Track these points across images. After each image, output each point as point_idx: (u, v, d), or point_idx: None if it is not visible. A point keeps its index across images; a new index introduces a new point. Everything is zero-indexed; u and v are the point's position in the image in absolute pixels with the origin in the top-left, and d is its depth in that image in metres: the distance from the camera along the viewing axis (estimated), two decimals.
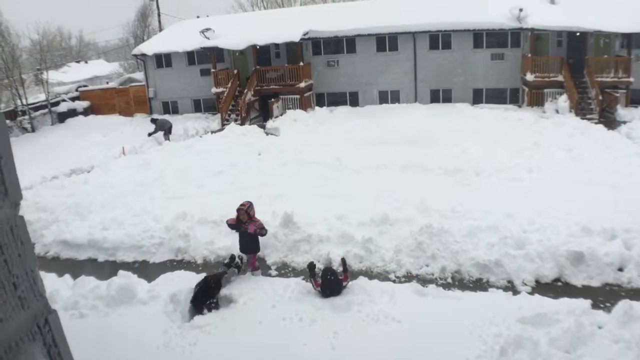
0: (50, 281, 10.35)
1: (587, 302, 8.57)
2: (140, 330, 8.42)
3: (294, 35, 28.34)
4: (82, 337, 8.05)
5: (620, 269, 9.98)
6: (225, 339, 8.17)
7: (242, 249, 10.67)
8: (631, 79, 25.17)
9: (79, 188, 17.49)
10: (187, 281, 9.92)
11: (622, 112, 24.18)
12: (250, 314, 8.81)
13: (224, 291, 9.47)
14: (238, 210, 10.36)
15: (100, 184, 17.79)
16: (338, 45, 30.72)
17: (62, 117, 33.43)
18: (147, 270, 11.63)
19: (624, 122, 22.50)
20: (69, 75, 52.04)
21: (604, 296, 9.35)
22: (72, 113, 34.04)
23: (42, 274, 10.74)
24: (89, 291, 9.64)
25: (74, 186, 17.80)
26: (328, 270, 9.48)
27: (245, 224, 10.31)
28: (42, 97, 34.78)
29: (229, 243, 12.12)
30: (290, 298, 9.22)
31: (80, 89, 37.85)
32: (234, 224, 10.50)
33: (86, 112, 34.72)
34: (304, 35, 28.78)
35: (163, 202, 15.10)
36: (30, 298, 1.92)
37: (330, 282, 9.20)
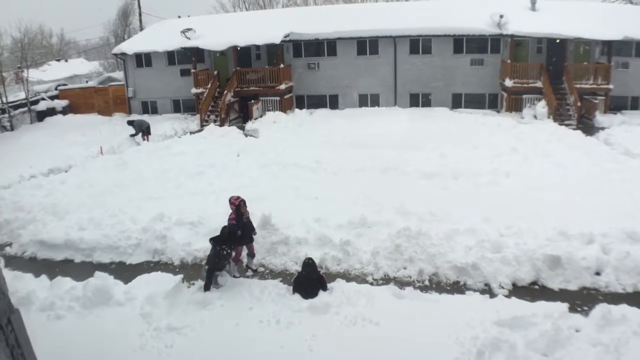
0: (26, 281, 10.24)
1: (564, 306, 8.65)
2: (116, 332, 8.34)
3: (275, 37, 28.29)
4: (58, 339, 7.96)
5: (598, 273, 10.08)
6: (201, 341, 8.12)
7: (246, 240, 10.93)
8: (610, 86, 25.53)
9: (56, 188, 17.27)
10: (164, 283, 9.84)
11: (600, 118, 24.48)
12: (227, 316, 8.77)
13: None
14: (239, 203, 10.72)
15: (77, 183, 17.58)
16: (319, 48, 30.70)
17: (41, 116, 33.00)
18: (123, 271, 11.49)
19: (602, 129, 22.82)
20: (48, 74, 51.42)
21: (582, 300, 9.43)
22: (51, 112, 33.60)
23: (19, 274, 10.66)
24: (65, 292, 9.54)
25: (51, 186, 17.56)
26: (308, 260, 9.62)
27: (245, 213, 10.81)
28: (22, 95, 34.28)
29: (207, 245, 12.04)
30: (268, 300, 9.20)
31: (59, 88, 37.40)
32: (236, 219, 10.68)
33: (65, 111, 34.28)
34: (285, 37, 28.72)
35: (140, 202, 14.94)
36: None
37: (309, 265, 9.41)
